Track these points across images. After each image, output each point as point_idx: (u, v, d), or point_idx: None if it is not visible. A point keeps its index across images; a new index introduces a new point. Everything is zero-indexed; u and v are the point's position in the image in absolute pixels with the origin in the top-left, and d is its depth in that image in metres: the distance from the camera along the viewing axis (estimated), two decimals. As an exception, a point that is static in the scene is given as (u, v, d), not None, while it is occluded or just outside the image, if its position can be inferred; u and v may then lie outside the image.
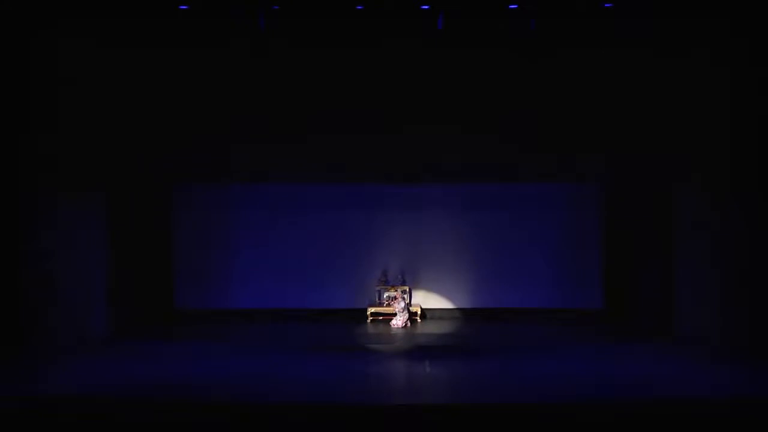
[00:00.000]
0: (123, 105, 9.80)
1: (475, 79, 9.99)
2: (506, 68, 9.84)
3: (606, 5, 8.04)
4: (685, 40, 8.80)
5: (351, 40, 9.01)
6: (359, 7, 8.07)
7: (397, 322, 10.99)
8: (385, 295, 11.67)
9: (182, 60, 9.50)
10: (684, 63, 9.01)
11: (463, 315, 11.72)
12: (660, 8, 8.16)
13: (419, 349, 9.05)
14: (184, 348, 9.07)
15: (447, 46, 9.18)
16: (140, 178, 10.53)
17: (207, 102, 10.22)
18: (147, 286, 10.78)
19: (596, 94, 10.19)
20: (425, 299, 11.92)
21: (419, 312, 11.61)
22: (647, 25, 8.49)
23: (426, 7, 8.13)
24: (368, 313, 11.56)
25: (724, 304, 8.60)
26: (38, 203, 8.58)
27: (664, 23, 8.56)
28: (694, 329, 8.99)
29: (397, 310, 11.12)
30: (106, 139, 9.53)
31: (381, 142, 10.90)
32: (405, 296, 11.51)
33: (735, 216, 8.48)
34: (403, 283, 11.73)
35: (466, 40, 9.01)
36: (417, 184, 11.55)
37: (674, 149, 9.42)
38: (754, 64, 7.88)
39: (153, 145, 10.75)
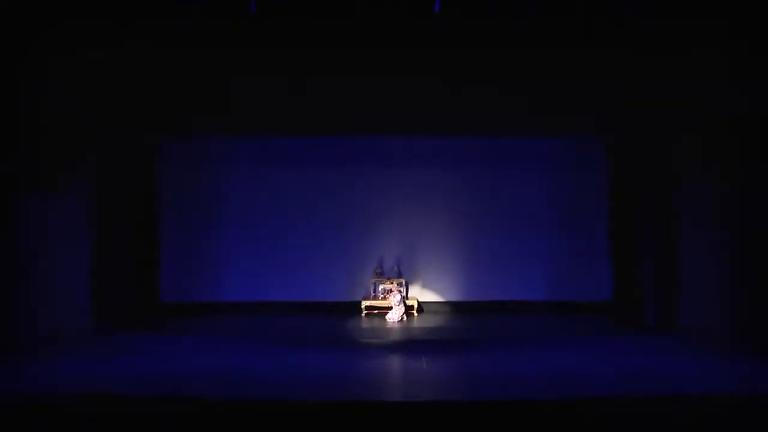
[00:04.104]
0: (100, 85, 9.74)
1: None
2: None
3: None
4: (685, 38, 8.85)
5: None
6: None
7: (393, 316, 11.08)
8: (381, 287, 11.75)
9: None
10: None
11: (462, 308, 11.83)
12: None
13: (416, 344, 9.09)
14: (170, 342, 9.15)
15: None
16: (123, 159, 10.55)
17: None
18: (132, 277, 10.82)
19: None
20: (422, 292, 12.03)
21: (416, 305, 11.71)
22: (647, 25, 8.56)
23: None
24: (363, 306, 11.65)
25: (736, 295, 8.63)
26: (15, 191, 8.59)
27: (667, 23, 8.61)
28: (704, 321, 9.03)
29: (392, 303, 11.21)
30: (84, 114, 9.66)
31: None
32: (401, 289, 11.60)
33: (746, 200, 8.52)
34: (399, 275, 11.84)
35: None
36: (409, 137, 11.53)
37: (681, 126, 9.50)
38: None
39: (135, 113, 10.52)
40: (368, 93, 10.14)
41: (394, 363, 8.25)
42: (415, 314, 11.62)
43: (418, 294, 12.01)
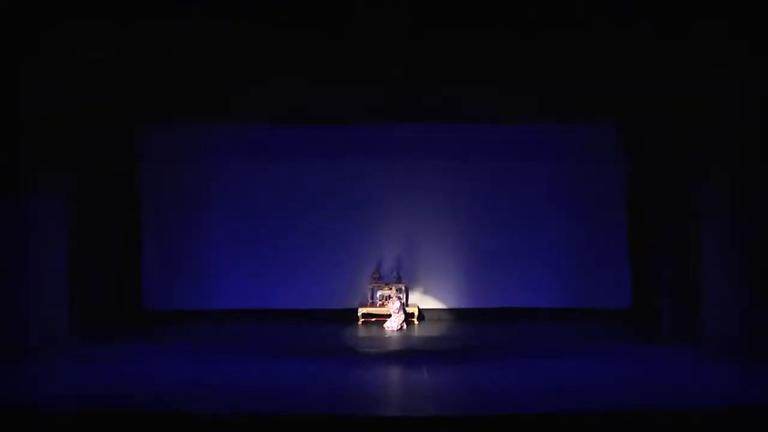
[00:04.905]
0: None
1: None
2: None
3: None
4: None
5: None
6: None
7: (392, 324, 10.89)
8: (379, 293, 11.56)
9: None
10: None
11: (465, 316, 11.61)
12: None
13: (416, 354, 8.99)
14: (152, 351, 9.08)
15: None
16: (104, 158, 10.55)
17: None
18: (113, 283, 10.71)
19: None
20: (423, 298, 11.81)
21: (416, 313, 11.49)
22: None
23: None
24: (359, 314, 11.45)
25: (761, 303, 8.55)
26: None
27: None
28: (727, 330, 8.94)
29: (391, 310, 11.01)
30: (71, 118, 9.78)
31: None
32: (400, 295, 11.40)
33: (760, 201, 8.55)
34: (399, 280, 11.62)
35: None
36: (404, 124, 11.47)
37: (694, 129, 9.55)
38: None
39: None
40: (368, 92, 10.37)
41: (393, 375, 8.15)
42: (416, 322, 11.43)
43: (419, 300, 11.79)
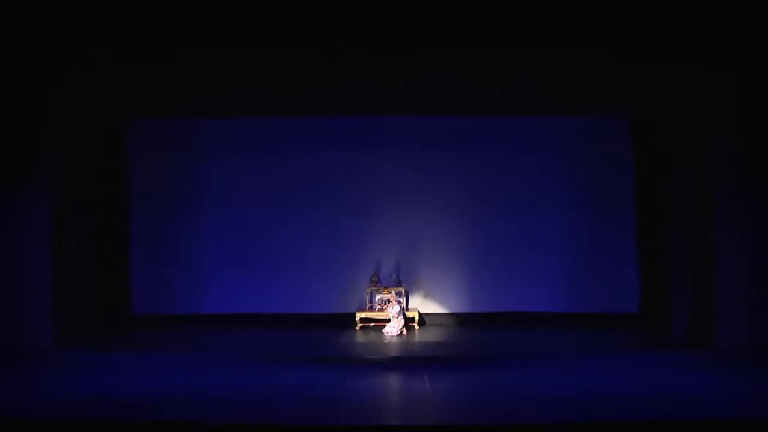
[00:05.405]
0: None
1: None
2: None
3: None
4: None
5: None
6: None
7: (392, 329, 10.75)
8: (377, 298, 11.43)
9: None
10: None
11: (468, 320, 11.44)
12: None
13: (417, 361, 8.92)
14: (139, 359, 8.93)
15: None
16: (91, 152, 10.46)
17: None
18: (99, 286, 10.54)
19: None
20: (424, 302, 11.65)
21: (417, 317, 11.34)
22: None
23: None
24: (357, 318, 11.30)
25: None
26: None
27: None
28: (743, 336, 8.84)
29: (390, 315, 10.89)
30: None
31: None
32: (400, 299, 11.27)
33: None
34: (398, 284, 11.50)
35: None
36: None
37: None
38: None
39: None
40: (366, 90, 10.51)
41: (393, 382, 8.09)
42: (416, 327, 11.28)
43: (420, 305, 11.66)
